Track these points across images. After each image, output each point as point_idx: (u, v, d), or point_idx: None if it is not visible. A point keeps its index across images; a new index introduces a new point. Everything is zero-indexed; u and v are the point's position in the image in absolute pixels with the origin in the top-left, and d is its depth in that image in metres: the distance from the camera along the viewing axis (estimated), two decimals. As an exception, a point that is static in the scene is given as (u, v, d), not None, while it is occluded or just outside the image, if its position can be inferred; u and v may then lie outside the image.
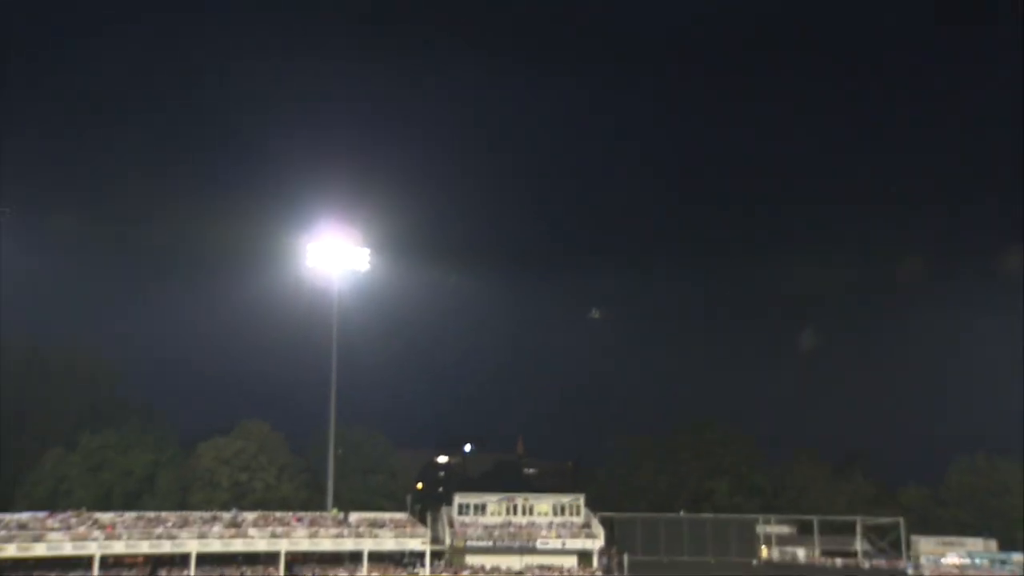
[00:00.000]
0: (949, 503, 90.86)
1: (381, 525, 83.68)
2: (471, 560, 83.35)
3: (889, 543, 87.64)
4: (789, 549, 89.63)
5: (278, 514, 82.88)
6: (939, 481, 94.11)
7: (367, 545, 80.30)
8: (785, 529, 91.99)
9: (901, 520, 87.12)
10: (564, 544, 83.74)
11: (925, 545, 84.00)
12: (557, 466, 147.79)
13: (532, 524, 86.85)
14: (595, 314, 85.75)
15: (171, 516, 78.71)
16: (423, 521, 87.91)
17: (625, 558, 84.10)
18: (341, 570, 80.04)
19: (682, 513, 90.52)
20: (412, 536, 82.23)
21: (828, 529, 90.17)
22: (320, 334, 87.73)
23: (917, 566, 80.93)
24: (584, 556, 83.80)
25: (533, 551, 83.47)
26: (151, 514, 78.61)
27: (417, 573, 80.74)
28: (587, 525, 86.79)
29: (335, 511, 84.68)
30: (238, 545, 77.40)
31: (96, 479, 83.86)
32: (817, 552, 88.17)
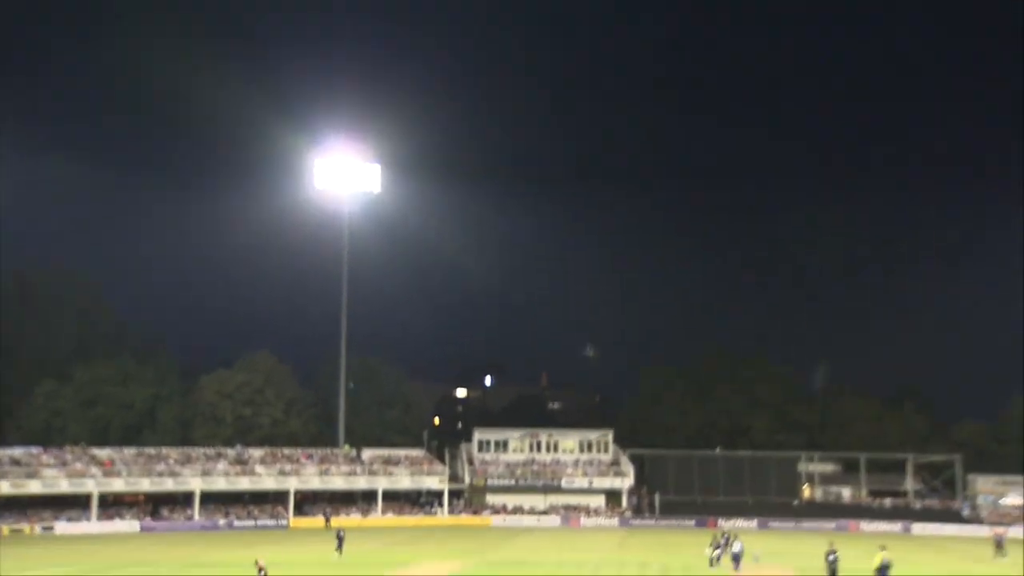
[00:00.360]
0: (1009, 440, 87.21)
1: (396, 463, 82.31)
2: (492, 499, 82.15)
3: (943, 482, 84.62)
4: (833, 488, 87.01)
5: (286, 451, 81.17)
6: (998, 417, 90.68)
7: (381, 483, 78.82)
8: (829, 467, 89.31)
9: (957, 457, 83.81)
10: (591, 483, 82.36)
11: (983, 484, 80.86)
12: (584, 400, 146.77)
13: (557, 462, 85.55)
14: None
15: (173, 452, 76.83)
16: (441, 458, 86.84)
17: (656, 498, 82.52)
18: (354, 509, 78.43)
19: (718, 450, 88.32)
20: (429, 474, 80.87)
21: (876, 467, 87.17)
22: (330, 260, 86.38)
23: (974, 507, 78.04)
24: (612, 495, 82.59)
25: (558, 490, 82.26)
26: (151, 450, 76.70)
27: (435, 513, 79.21)
28: (616, 463, 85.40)
29: (347, 448, 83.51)
30: (244, 483, 75.61)
31: (91, 413, 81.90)
32: (864, 492, 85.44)
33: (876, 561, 26.56)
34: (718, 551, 37.07)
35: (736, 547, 36.73)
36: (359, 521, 74.64)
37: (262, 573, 22.61)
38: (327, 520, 67.94)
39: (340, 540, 43.90)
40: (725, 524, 72.83)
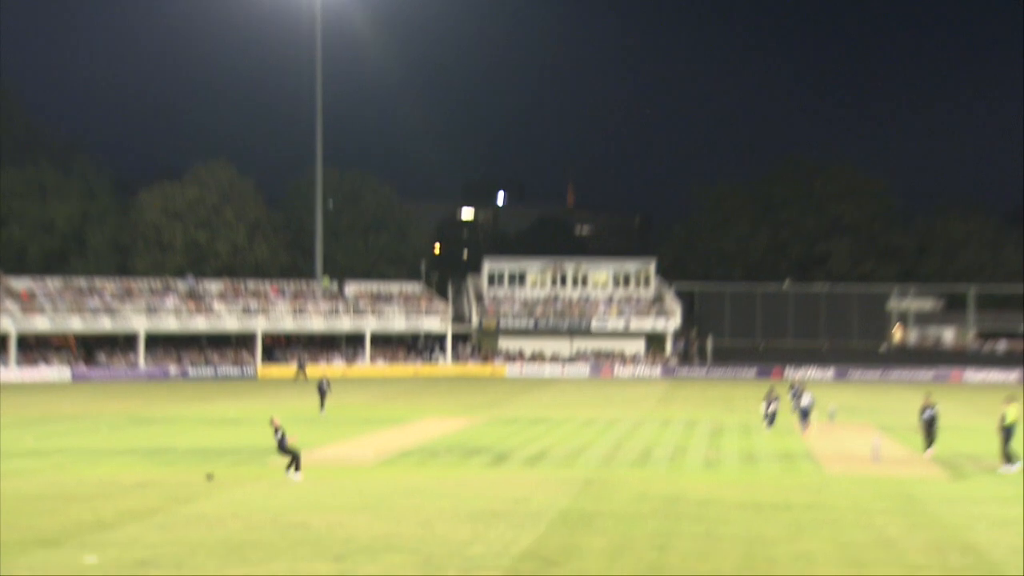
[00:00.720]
0: None
1: (387, 299, 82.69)
2: (506, 344, 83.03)
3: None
4: (932, 330, 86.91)
5: (251, 284, 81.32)
6: None
7: (369, 325, 79.40)
8: (928, 304, 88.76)
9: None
10: (628, 324, 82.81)
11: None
12: (620, 222, 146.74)
13: (586, 299, 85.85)
14: None
15: (109, 285, 77.00)
16: (442, 295, 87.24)
17: (708, 342, 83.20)
18: (337, 356, 79.43)
19: (787, 284, 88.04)
20: (428, 314, 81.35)
21: (987, 303, 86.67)
22: (303, 48, 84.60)
23: (1107, 351, 77.97)
24: (654, 340, 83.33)
25: (587, 333, 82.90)
26: (82, 281, 76.84)
27: (435, 361, 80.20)
28: (659, 299, 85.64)
29: (326, 281, 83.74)
30: (200, 324, 76.17)
31: (2, 235, 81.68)
32: (971, 333, 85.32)
33: (1009, 416, 25.64)
34: (772, 406, 36.51)
35: (805, 399, 36.09)
36: (343, 370, 75.68)
37: (279, 434, 22.88)
38: (301, 368, 68.74)
39: (323, 393, 43.96)
40: (794, 374, 73.35)
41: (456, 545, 15.60)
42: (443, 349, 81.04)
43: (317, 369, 71.05)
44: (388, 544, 15.76)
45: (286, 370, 72.97)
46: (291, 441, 23.85)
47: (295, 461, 23.61)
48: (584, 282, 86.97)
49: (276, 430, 23.57)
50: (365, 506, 19.66)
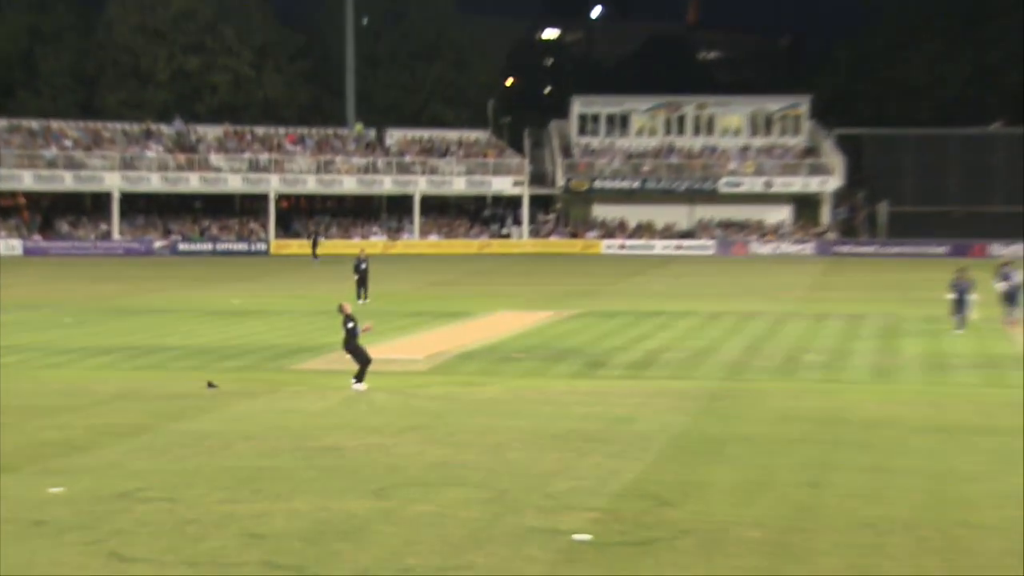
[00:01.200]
0: None
1: (443, 152, 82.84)
2: (602, 212, 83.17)
3: None
4: None
5: (260, 130, 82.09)
6: None
7: (419, 186, 79.81)
8: None
9: None
10: (769, 184, 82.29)
11: None
12: (759, 45, 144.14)
13: (713, 150, 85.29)
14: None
15: (70, 129, 78.25)
16: (516, 146, 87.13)
17: (882, 208, 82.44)
18: (374, 228, 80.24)
19: (995, 126, 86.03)
20: (497, 172, 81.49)
21: None
22: None
23: None
24: (806, 205, 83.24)
25: (713, 197, 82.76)
26: (34, 124, 78.10)
27: (507, 235, 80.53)
28: (813, 151, 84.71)
29: (360, 127, 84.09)
30: (192, 182, 77.39)
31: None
32: None
33: None
34: (966, 295, 35.92)
35: (1014, 277, 35.62)
36: (385, 247, 76.54)
37: (351, 323, 23.38)
38: (314, 245, 69.08)
39: (361, 276, 44.32)
40: (1003, 252, 71.98)
41: (535, 479, 15.73)
42: (518, 219, 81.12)
43: (345, 245, 71.77)
44: (444, 476, 15.95)
45: (307, 245, 73.95)
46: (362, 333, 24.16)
47: (363, 365, 23.95)
48: (710, 128, 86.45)
49: (347, 319, 23.89)
50: (415, 426, 19.91)
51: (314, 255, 68.09)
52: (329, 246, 72.23)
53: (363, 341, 24.35)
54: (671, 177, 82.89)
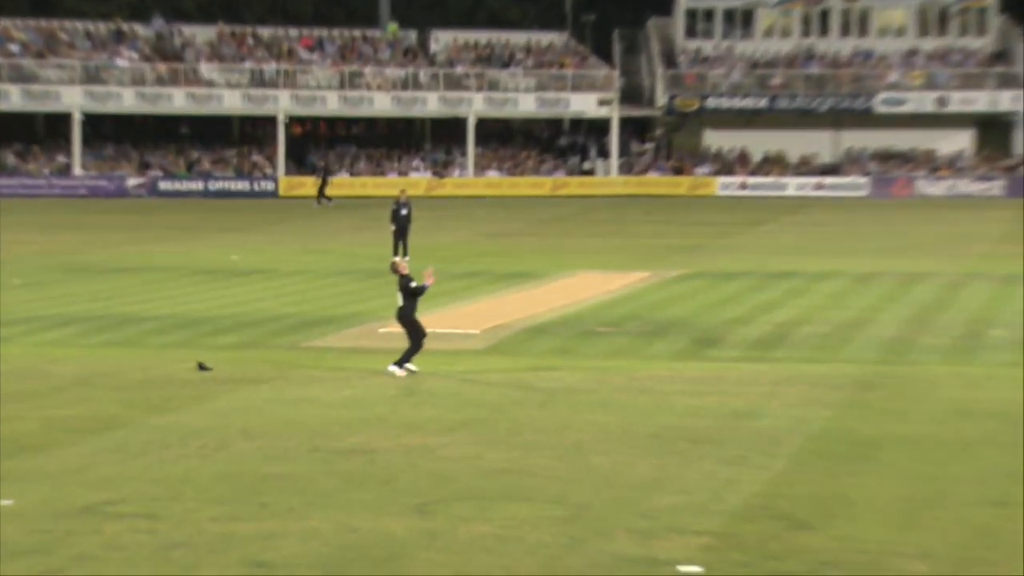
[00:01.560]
0: None
1: (505, 61, 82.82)
2: (716, 140, 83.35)
3: None
4: None
5: (265, 32, 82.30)
6: None
7: (473, 107, 79.91)
8: None
9: None
10: (943, 102, 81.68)
11: None
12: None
13: (866, 56, 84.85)
14: None
15: (17, 31, 78.55)
16: (603, 54, 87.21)
17: None
18: (415, 162, 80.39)
19: None
20: (578, 87, 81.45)
21: None
22: None
23: None
24: (991, 130, 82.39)
25: (865, 119, 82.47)
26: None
27: (591, 171, 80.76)
28: (1001, 57, 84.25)
29: (394, 28, 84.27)
30: (177, 101, 77.63)
31: None
32: None
33: None
34: None
35: None
36: (429, 185, 76.95)
37: (413, 284, 23.57)
38: (323, 183, 68.74)
39: (400, 225, 44.27)
40: None
41: (626, 492, 15.73)
42: (604, 150, 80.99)
43: (376, 185, 71.84)
44: (507, 487, 15.99)
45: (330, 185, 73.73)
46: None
47: (414, 345, 23.91)
48: (863, 27, 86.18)
49: (404, 278, 23.89)
50: (468, 421, 19.97)
51: (321, 196, 68.37)
52: (356, 186, 72.43)
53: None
54: (810, 93, 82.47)
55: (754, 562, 12.72)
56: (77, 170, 75.16)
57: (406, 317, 24.03)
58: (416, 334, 24.04)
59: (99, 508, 14.70)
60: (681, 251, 48.46)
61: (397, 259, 24.74)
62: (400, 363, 23.86)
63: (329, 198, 68.21)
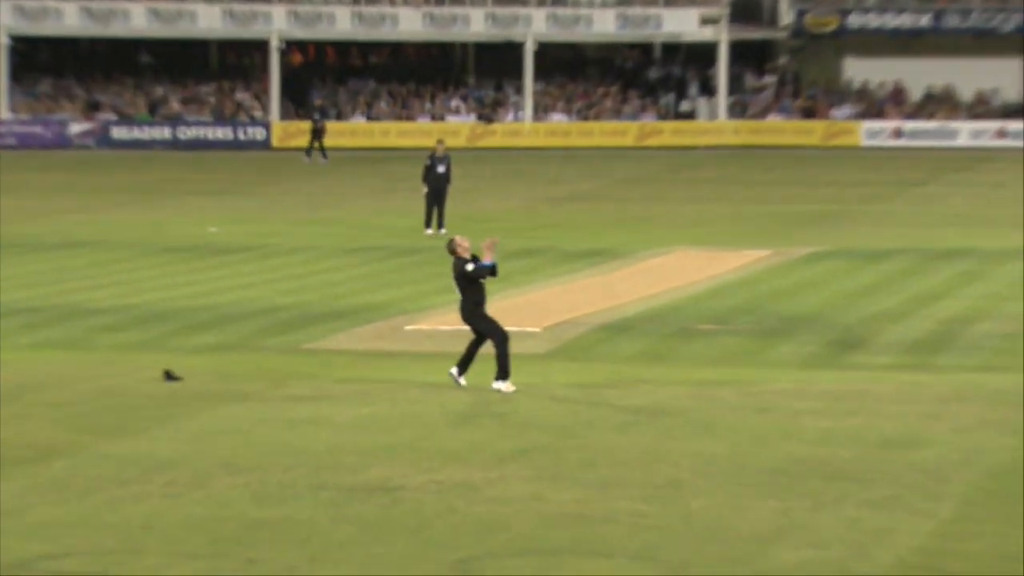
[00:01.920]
0: None
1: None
2: (860, 71, 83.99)
3: None
4: None
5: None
6: None
7: (532, 28, 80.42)
8: None
9: None
10: None
11: None
12: None
13: None
14: None
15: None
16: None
17: None
18: (453, 100, 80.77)
19: None
20: (672, 2, 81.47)
21: None
22: None
23: None
24: None
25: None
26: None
27: (689, 112, 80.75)
28: None
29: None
30: (136, 19, 78.33)
31: None
32: None
33: None
34: None
35: None
36: (472, 135, 77.67)
37: (469, 267, 23.73)
38: (316, 135, 69.00)
39: (436, 186, 44.55)
40: None
41: (738, 544, 15.76)
42: (708, 85, 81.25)
43: (400, 132, 72.22)
44: (578, 537, 16.05)
45: (330, 132, 73.98)
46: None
47: (499, 348, 23.89)
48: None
49: (460, 260, 23.96)
50: (525, 449, 20.05)
51: (312, 148, 68.60)
52: (375, 134, 72.87)
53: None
54: (989, 8, 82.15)
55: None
56: (3, 113, 75.74)
57: (473, 313, 23.97)
58: (495, 333, 24.06)
59: (33, 564, 14.79)
60: (812, 222, 48.52)
61: (458, 237, 24.51)
62: (504, 375, 23.86)
63: (324, 152, 68.41)
